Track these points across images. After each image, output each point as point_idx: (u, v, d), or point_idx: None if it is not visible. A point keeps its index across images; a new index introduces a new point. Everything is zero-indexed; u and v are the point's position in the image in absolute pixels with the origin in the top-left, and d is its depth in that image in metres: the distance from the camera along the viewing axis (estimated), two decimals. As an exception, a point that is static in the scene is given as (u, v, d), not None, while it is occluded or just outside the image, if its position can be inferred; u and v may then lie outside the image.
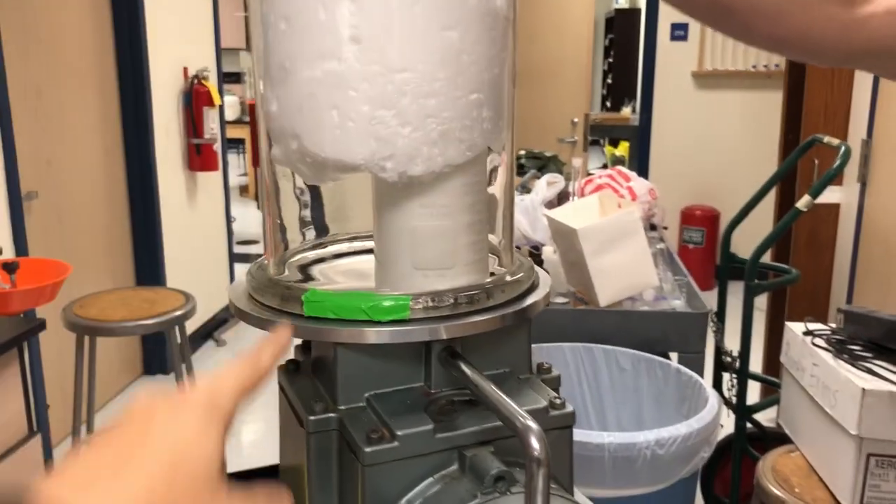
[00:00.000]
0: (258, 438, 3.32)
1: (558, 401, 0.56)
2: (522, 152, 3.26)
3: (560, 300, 2.26)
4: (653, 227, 2.78)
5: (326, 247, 0.70)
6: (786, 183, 2.91)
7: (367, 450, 0.51)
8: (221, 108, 4.09)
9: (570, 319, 2.15)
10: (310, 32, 0.52)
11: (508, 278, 0.59)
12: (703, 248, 5.16)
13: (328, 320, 0.54)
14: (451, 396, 0.55)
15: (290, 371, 0.62)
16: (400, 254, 0.57)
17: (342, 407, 0.55)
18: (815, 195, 2.01)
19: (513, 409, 0.48)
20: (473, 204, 0.57)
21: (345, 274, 0.65)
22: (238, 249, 5.08)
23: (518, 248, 2.33)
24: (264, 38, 0.55)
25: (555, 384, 0.60)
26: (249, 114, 6.93)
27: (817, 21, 0.70)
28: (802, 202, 2.03)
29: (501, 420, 0.48)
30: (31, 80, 2.87)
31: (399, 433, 0.51)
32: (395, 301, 0.54)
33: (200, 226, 4.17)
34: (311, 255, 0.69)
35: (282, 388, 0.62)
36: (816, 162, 2.69)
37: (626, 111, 6.63)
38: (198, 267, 4.13)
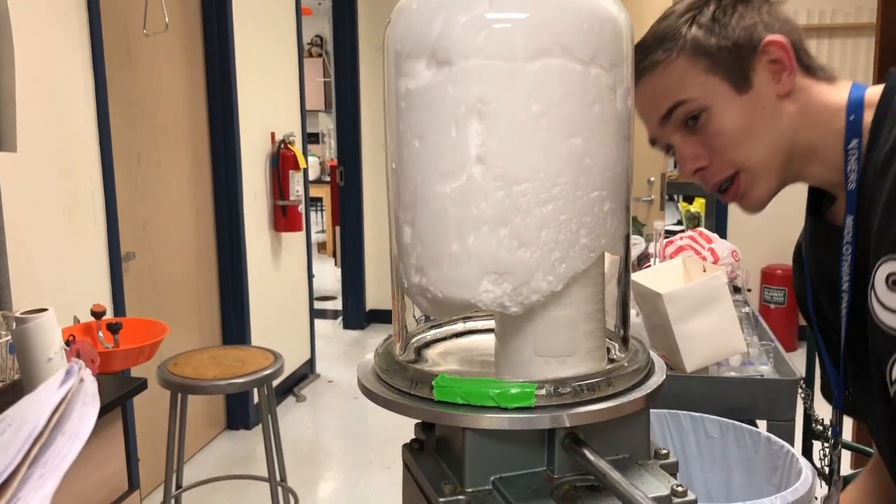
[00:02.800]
0: (352, 488, 3.34)
1: (680, 489, 0.57)
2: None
3: (643, 364, 2.25)
4: (736, 290, 2.74)
5: (443, 326, 0.73)
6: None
7: (499, 534, 0.53)
8: (306, 170, 4.24)
9: (654, 385, 2.13)
10: (441, 150, 0.56)
11: (626, 365, 0.61)
12: (784, 307, 5.03)
13: (457, 405, 0.57)
14: (574, 482, 0.57)
15: (415, 450, 0.65)
16: (523, 341, 0.59)
17: (469, 489, 0.58)
18: None
19: (639, 497, 0.49)
20: (592, 294, 0.60)
21: (463, 358, 0.68)
22: (316, 305, 5.19)
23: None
24: (398, 155, 0.60)
25: (673, 469, 0.62)
26: (329, 173, 7.14)
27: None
28: None
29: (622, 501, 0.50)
30: (133, 146, 3.05)
31: (527, 518, 0.54)
32: (521, 388, 0.56)
33: (283, 284, 4.29)
34: (429, 335, 0.72)
35: (406, 467, 0.65)
36: None
37: (701, 168, 6.54)
38: (281, 324, 4.24)
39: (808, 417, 2.30)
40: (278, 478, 2.70)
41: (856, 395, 0.81)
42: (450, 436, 0.61)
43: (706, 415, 2.06)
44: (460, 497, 0.57)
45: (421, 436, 0.68)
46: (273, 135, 4.01)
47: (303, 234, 4.36)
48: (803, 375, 2.34)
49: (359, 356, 5.54)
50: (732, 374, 2.14)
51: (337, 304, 6.15)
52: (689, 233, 2.86)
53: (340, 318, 5.84)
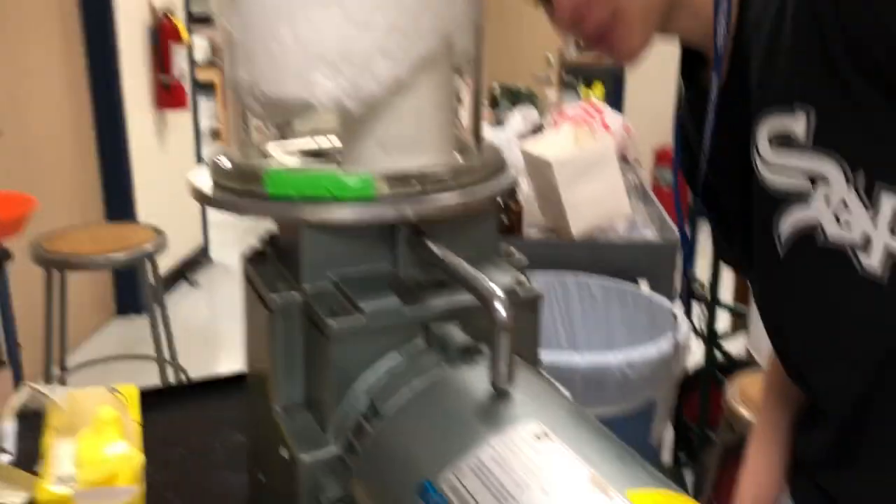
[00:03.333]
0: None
1: (524, 281, 0.56)
2: (496, 86, 3.23)
3: (534, 233, 2.27)
4: (625, 161, 2.78)
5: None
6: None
7: (333, 323, 0.50)
8: (190, 47, 4.00)
9: (543, 251, 2.16)
10: None
11: (475, 162, 0.58)
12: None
13: (292, 200, 0.53)
14: (417, 277, 0.55)
15: (255, 261, 0.62)
16: (364, 131, 0.55)
17: (307, 286, 0.54)
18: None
19: (480, 279, 0.47)
20: (440, 83, 0.56)
21: (310, 156, 0.64)
22: (210, 192, 5.01)
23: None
24: None
25: (521, 265, 0.60)
26: (220, 57, 6.79)
27: None
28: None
29: (469, 289, 0.48)
30: (-10, 11, 2.78)
31: (365, 308, 0.51)
32: (361, 179, 0.53)
33: (171, 167, 4.10)
34: (276, 143, 0.67)
35: (247, 277, 0.61)
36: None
37: (601, 52, 6.56)
38: (169, 208, 4.08)
39: (689, 279, 2.39)
40: (168, 357, 2.64)
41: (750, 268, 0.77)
42: (289, 238, 0.57)
43: (591, 276, 2.11)
44: (295, 293, 0.54)
45: (263, 248, 0.64)
46: (151, 4, 3.74)
47: (189, 114, 4.15)
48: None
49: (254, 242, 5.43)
50: (617, 238, 2.18)
51: (233, 192, 5.98)
52: (582, 104, 2.85)
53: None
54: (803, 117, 0.60)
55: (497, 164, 0.60)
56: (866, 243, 0.61)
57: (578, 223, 2.15)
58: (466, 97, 0.62)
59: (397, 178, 0.54)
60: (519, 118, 2.75)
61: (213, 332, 3.78)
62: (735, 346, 2.45)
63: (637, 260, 2.14)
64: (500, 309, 0.45)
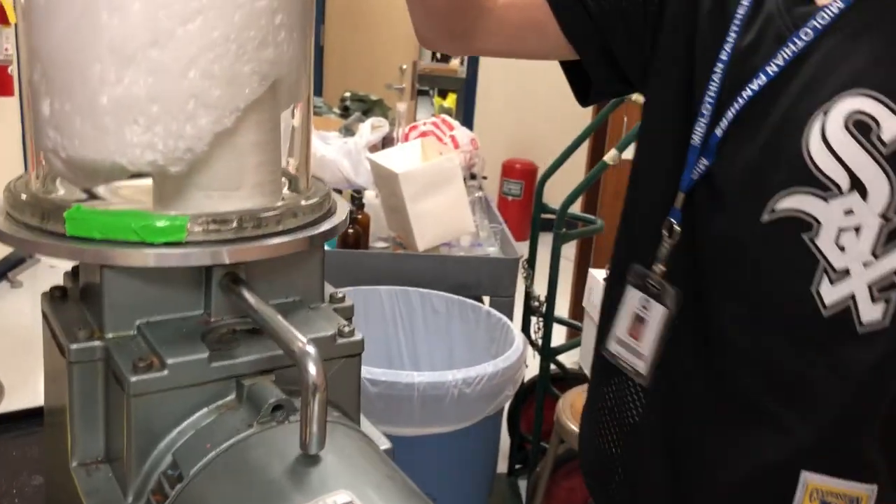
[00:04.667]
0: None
1: (347, 328, 0.55)
2: (347, 94, 3.20)
3: (380, 244, 2.26)
4: (473, 177, 2.83)
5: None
6: (598, 139, 3.05)
7: (133, 379, 0.47)
8: (17, 26, 3.71)
9: (389, 263, 2.15)
10: None
11: (302, 202, 0.56)
12: (521, 200, 5.34)
13: (96, 241, 0.49)
14: (231, 325, 0.52)
15: (56, 298, 0.57)
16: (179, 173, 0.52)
17: (109, 335, 0.50)
18: (621, 150, 2.12)
19: (291, 334, 0.46)
20: (263, 122, 0.54)
21: (112, 190, 0.60)
22: (38, 184, 4.68)
23: (339, 191, 2.28)
24: None
25: (347, 313, 0.59)
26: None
27: None
28: (609, 156, 2.14)
29: (279, 345, 0.46)
30: None
31: (170, 361, 0.48)
32: (170, 221, 0.50)
33: (-7, 156, 3.79)
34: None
35: (45, 317, 0.56)
36: (626, 119, 2.83)
37: (454, 63, 6.67)
38: (-12, 201, 3.77)
39: (528, 294, 2.46)
40: (-20, 366, 2.43)
41: None
42: (92, 279, 0.53)
43: (435, 291, 2.13)
44: (97, 343, 0.50)
45: (69, 284, 0.59)
46: (-27, -20, 3.44)
47: (15, 99, 3.85)
48: (526, 256, 2.50)
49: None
50: (461, 253, 2.21)
51: (64, 184, 5.60)
52: (433, 119, 2.88)
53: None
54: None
55: (325, 205, 0.59)
56: (841, 276, 0.65)
57: (424, 237, 2.16)
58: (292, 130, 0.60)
59: (213, 220, 0.51)
60: (369, 128, 2.74)
61: (37, 338, 3.51)
62: (570, 359, 2.54)
63: (479, 275, 2.18)
64: (312, 370, 0.43)
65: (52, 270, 4.20)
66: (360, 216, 2.21)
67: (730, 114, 0.70)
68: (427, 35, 0.89)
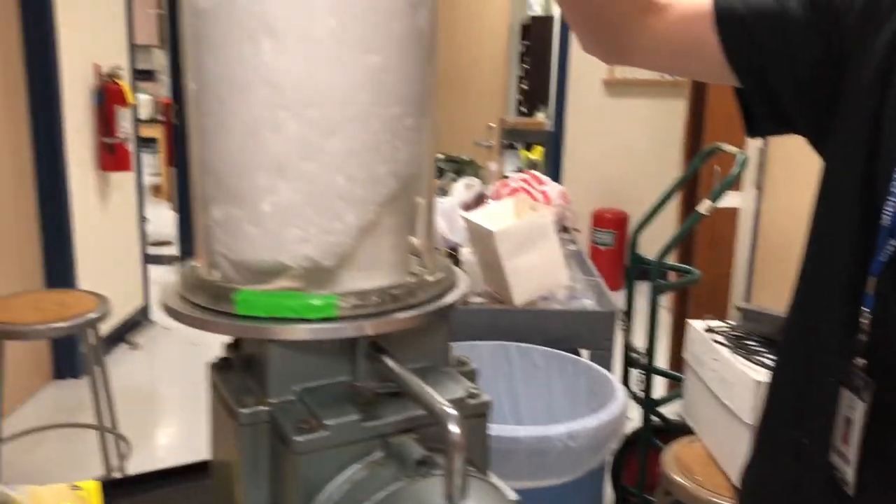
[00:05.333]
0: (189, 435, 3.27)
1: (475, 391, 0.61)
2: (440, 156, 3.32)
3: (477, 300, 2.33)
4: (565, 230, 2.88)
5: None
6: (689, 188, 3.06)
7: (298, 439, 0.54)
8: (135, 107, 4.01)
9: (486, 318, 2.22)
10: (233, 75, 0.57)
11: (429, 278, 0.64)
12: (613, 249, 5.34)
13: (260, 318, 0.58)
14: (376, 389, 0.59)
15: (221, 368, 0.65)
16: (328, 256, 0.60)
17: (273, 400, 0.58)
18: (715, 200, 2.14)
19: (433, 398, 0.52)
20: (395, 211, 0.62)
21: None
22: (151, 251, 4.98)
23: (437, 249, 2.38)
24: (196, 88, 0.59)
25: (472, 377, 0.65)
26: (163, 113, 6.79)
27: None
28: (703, 206, 2.16)
29: (423, 408, 0.53)
30: (-68, 75, 2.77)
31: (328, 423, 0.55)
32: (323, 300, 0.57)
33: (113, 227, 4.07)
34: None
35: (213, 385, 0.65)
36: (717, 168, 2.84)
37: (540, 116, 6.78)
38: (110, 269, 4.03)
39: (627, 347, 2.47)
40: (109, 424, 2.60)
41: None
42: (254, 351, 0.62)
43: (533, 345, 2.17)
44: (262, 408, 0.58)
45: (229, 354, 0.68)
46: (97, 67, 3.75)
47: (133, 174, 4.14)
48: (623, 308, 2.52)
49: (198, 302, 5.37)
50: (558, 307, 2.26)
51: (174, 250, 5.92)
52: (523, 175, 2.96)
53: (178, 264, 5.64)
54: None
55: (449, 279, 0.66)
56: None
57: (520, 292, 2.22)
58: (421, 217, 0.68)
59: (357, 296, 0.59)
60: (462, 187, 2.84)
61: (154, 396, 3.72)
62: (671, 409, 2.53)
63: (577, 328, 2.21)
64: (454, 429, 0.50)
65: (166, 332, 4.45)
66: (457, 273, 2.29)
67: None
68: (588, 48, 0.92)
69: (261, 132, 0.57)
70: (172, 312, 0.62)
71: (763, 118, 0.85)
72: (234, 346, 0.68)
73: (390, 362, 0.58)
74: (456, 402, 0.59)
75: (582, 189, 5.03)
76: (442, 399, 0.52)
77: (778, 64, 0.79)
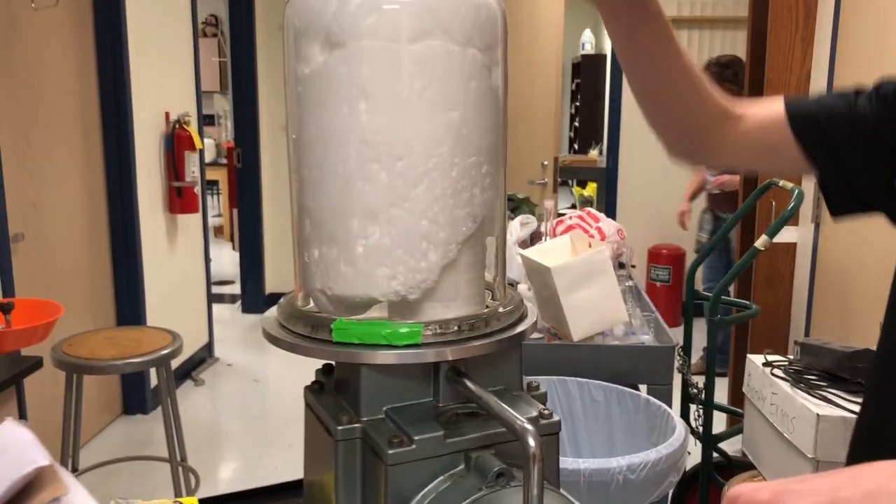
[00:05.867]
0: (254, 467, 3.36)
1: (546, 412, 0.67)
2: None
3: (535, 335, 2.37)
4: (621, 266, 2.91)
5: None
6: (746, 223, 3.07)
7: (390, 452, 0.61)
8: (202, 151, 4.19)
9: (545, 353, 2.26)
10: (332, 133, 0.64)
11: (502, 309, 0.70)
12: (669, 285, 5.31)
13: (354, 345, 0.65)
14: (457, 409, 0.65)
15: (315, 391, 0.72)
16: (413, 290, 0.67)
17: (365, 418, 0.65)
18: (772, 235, 2.16)
19: (512, 415, 0.58)
20: (472, 248, 0.68)
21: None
22: (214, 290, 5.14)
23: (511, 285, 2.42)
24: (298, 143, 0.67)
25: (542, 399, 0.71)
26: (226, 156, 7.03)
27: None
28: (760, 241, 2.18)
29: (503, 424, 0.59)
30: (20, 126, 2.96)
31: (416, 438, 0.62)
32: (409, 328, 0.64)
33: (180, 267, 4.23)
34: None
35: (308, 406, 0.72)
36: (773, 203, 2.85)
37: (593, 153, 6.84)
38: (177, 307, 4.19)
39: (685, 382, 2.48)
40: (178, 458, 2.70)
41: None
42: (347, 375, 0.68)
43: (592, 380, 2.20)
44: (356, 425, 0.65)
45: (321, 379, 0.75)
46: (167, 115, 3.95)
47: (199, 216, 4.31)
48: (681, 343, 2.53)
49: (258, 340, 5.51)
50: (616, 342, 2.29)
51: (235, 289, 6.09)
52: (578, 212, 3.01)
53: (239, 302, 5.80)
54: None
55: (520, 310, 0.72)
56: None
57: (578, 327, 2.26)
58: (491, 253, 0.74)
59: (439, 325, 0.65)
60: (518, 225, 2.90)
61: (220, 431, 3.82)
62: (732, 446, 2.52)
63: (635, 363, 2.24)
64: (532, 443, 0.55)
65: (229, 369, 4.58)
66: (516, 310, 2.34)
67: None
68: (672, 152, 1.00)
69: (355, 182, 0.64)
70: (274, 340, 0.69)
71: (845, 202, 0.91)
72: (324, 372, 0.75)
73: (469, 384, 0.64)
74: (530, 420, 0.65)
75: (637, 225, 5.05)
76: (519, 415, 0.58)
77: (854, 159, 0.85)
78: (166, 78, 4.04)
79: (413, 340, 0.64)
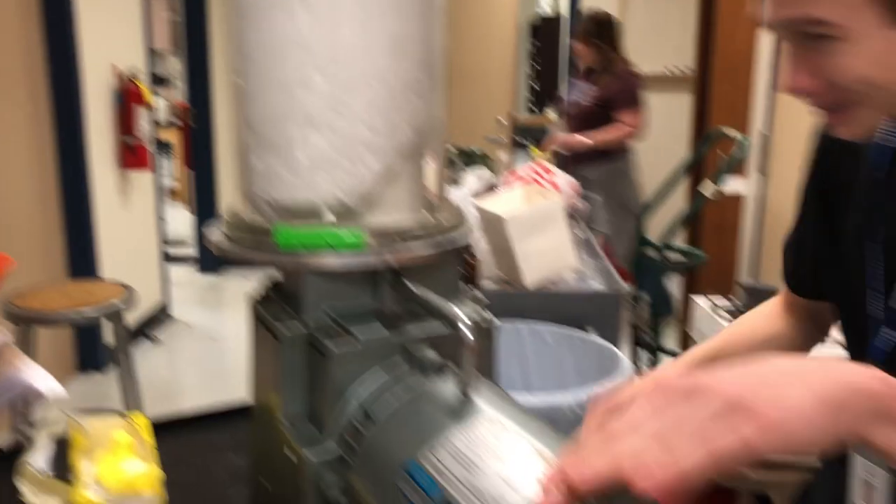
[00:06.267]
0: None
1: (485, 314, 0.70)
2: (452, 149, 3.41)
3: (490, 286, 2.41)
4: (574, 219, 2.96)
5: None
6: (696, 175, 3.13)
7: (332, 347, 0.63)
8: (153, 108, 4.13)
9: (498, 301, 2.28)
10: (268, 43, 0.66)
11: (443, 221, 0.72)
12: (624, 243, 5.40)
13: (299, 251, 0.67)
14: (397, 312, 0.68)
15: (262, 301, 0.74)
16: (354, 197, 0.69)
17: (308, 320, 0.67)
18: (717, 182, 2.22)
19: (449, 307, 0.61)
20: (412, 159, 0.71)
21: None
22: (169, 251, 5.09)
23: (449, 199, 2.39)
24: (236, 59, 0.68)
25: (482, 304, 0.74)
26: (180, 117, 6.91)
27: None
28: (707, 189, 2.24)
29: (439, 317, 0.62)
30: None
31: (358, 334, 0.64)
32: (353, 234, 0.66)
33: (133, 225, 4.18)
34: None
35: (256, 317, 0.74)
36: (723, 155, 2.91)
37: (550, 114, 6.87)
38: (131, 265, 4.14)
39: (635, 328, 2.55)
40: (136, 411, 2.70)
41: None
42: (292, 283, 0.71)
43: (544, 324, 2.25)
44: (300, 326, 0.67)
45: (269, 293, 0.77)
46: (116, 68, 3.87)
47: (151, 174, 4.26)
48: (630, 290, 2.59)
49: (216, 300, 5.50)
50: (567, 289, 2.34)
51: (191, 251, 6.03)
52: (533, 166, 3.04)
53: (196, 263, 5.75)
54: None
55: (458, 220, 0.75)
56: None
57: (531, 275, 2.30)
58: (431, 165, 0.77)
59: (381, 232, 0.67)
60: (473, 178, 2.92)
61: (177, 388, 3.82)
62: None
63: (585, 309, 2.29)
64: (466, 331, 0.58)
65: (186, 329, 4.56)
66: (470, 259, 2.37)
67: None
68: None
69: (294, 90, 0.66)
70: (220, 250, 0.71)
71: None
72: (271, 287, 0.77)
73: (411, 285, 0.66)
74: (470, 318, 0.68)
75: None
76: (456, 308, 0.61)
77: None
78: (115, 31, 3.95)
79: (357, 246, 0.66)
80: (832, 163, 0.86)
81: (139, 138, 3.90)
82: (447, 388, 0.60)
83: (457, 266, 0.74)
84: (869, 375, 0.45)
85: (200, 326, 4.59)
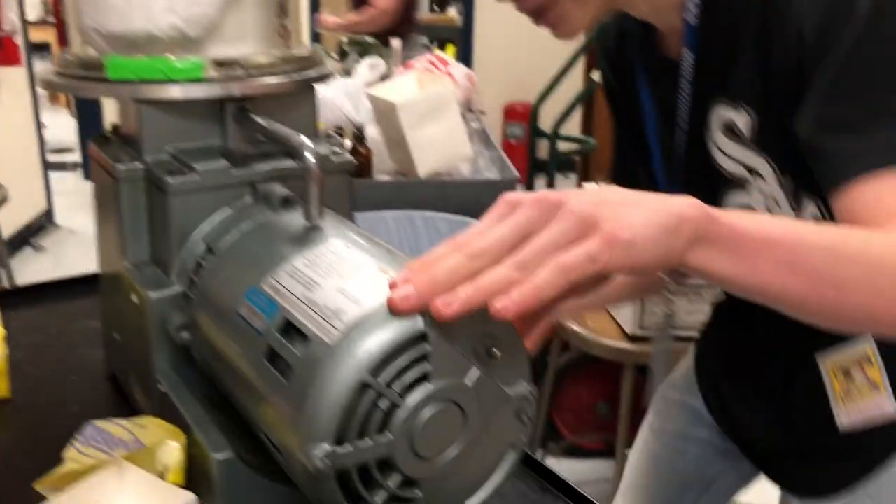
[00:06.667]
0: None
1: (340, 150, 0.67)
2: (345, 39, 3.29)
3: (384, 178, 2.38)
4: (471, 112, 2.93)
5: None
6: (590, 62, 3.13)
7: (171, 181, 0.59)
8: (21, 1, 3.82)
9: (392, 191, 2.27)
10: None
11: (295, 53, 0.68)
12: (525, 143, 5.42)
13: (132, 81, 0.61)
14: (244, 150, 0.64)
15: (101, 142, 0.69)
16: (194, 26, 0.64)
17: (148, 158, 0.63)
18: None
19: (295, 135, 0.58)
20: (261, -13, 0.65)
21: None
22: (52, 158, 4.82)
23: (340, 129, 2.37)
24: None
25: (337, 143, 0.71)
26: (55, 14, 6.44)
27: None
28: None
29: (284, 145, 0.58)
30: None
31: (199, 168, 0.60)
32: (191, 63, 0.61)
33: (6, 127, 3.91)
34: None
35: (94, 158, 0.69)
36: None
37: (452, 13, 6.72)
38: (8, 170, 3.89)
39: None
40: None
41: None
42: (130, 119, 0.65)
43: (438, 213, 2.24)
44: (137, 164, 0.62)
45: (110, 135, 0.71)
46: (-24, -47, 3.54)
47: (24, 71, 3.96)
48: (521, 178, 2.61)
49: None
50: (462, 178, 2.33)
51: (76, 157, 5.73)
52: (428, 55, 2.97)
53: (80, 170, 5.48)
54: (746, 116, 0.67)
55: (314, 58, 0.70)
56: None
57: (424, 164, 2.27)
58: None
59: (225, 63, 0.63)
60: (367, 68, 2.83)
61: (63, 297, 3.67)
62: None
63: (479, 197, 2.29)
64: (310, 157, 0.55)
65: (72, 236, 4.36)
66: (362, 150, 2.32)
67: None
68: None
69: None
70: (49, 85, 0.65)
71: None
72: (112, 131, 0.72)
73: (256, 118, 0.62)
74: (321, 158, 0.65)
75: (493, 83, 5.06)
76: (302, 136, 0.57)
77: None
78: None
79: (194, 75, 0.61)
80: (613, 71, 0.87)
81: (5, 30, 3.61)
82: (295, 220, 0.58)
83: (312, 105, 0.70)
84: (687, 203, 0.48)
85: (85, 233, 4.40)
